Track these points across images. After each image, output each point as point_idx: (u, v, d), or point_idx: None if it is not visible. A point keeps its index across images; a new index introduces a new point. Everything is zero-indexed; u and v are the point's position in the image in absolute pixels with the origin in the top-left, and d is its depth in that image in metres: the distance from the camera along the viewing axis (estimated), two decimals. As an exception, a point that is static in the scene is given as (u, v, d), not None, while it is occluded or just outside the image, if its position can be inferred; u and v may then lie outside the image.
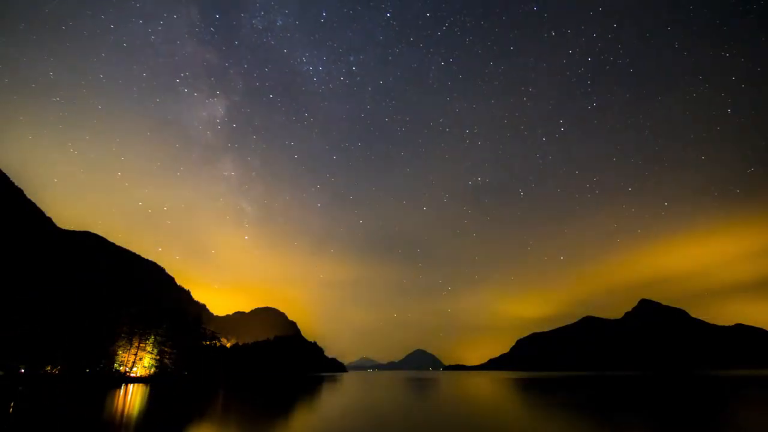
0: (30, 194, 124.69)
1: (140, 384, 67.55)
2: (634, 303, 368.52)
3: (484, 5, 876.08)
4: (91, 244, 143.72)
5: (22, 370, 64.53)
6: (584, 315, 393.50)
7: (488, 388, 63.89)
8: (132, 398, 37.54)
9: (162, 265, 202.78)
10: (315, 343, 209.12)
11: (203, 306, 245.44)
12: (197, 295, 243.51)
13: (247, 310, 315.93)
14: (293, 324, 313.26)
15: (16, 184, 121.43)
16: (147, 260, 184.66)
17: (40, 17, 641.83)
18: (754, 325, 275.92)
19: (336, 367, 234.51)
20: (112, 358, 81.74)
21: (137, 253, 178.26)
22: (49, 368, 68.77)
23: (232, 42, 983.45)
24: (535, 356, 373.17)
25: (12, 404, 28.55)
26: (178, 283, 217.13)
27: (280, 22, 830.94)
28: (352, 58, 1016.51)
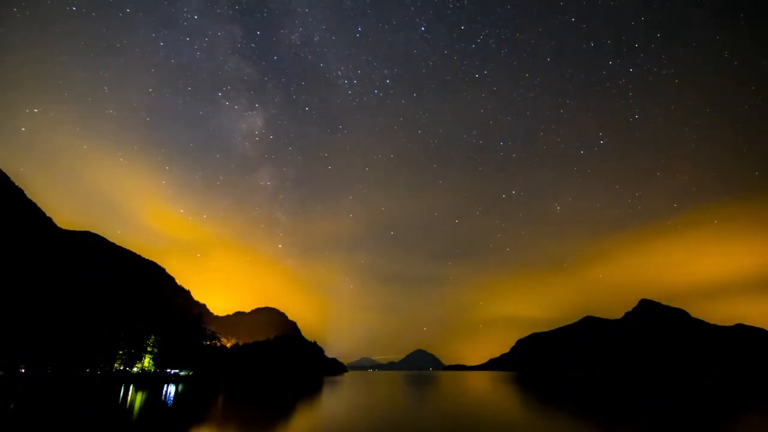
0: (30, 194, 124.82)
1: (140, 384, 67.55)
2: (635, 303, 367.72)
3: (520, 17, 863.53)
4: (91, 244, 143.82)
5: (22, 370, 64.58)
6: (584, 315, 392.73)
7: (488, 387, 63.90)
8: (132, 398, 37.56)
9: (163, 266, 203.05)
10: (315, 343, 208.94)
11: (203, 306, 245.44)
12: (197, 295, 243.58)
13: (247, 310, 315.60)
14: (293, 324, 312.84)
15: (16, 184, 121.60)
16: (147, 260, 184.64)
17: (98, 36, 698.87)
18: (754, 325, 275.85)
19: (336, 367, 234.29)
20: (112, 358, 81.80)
21: (138, 253, 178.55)
22: (49, 368, 68.82)
23: (272, 57, 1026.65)
24: (535, 356, 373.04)
25: (12, 404, 28.57)
26: (179, 283, 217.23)
27: (317, 38, 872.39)
28: (386, 72, 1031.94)
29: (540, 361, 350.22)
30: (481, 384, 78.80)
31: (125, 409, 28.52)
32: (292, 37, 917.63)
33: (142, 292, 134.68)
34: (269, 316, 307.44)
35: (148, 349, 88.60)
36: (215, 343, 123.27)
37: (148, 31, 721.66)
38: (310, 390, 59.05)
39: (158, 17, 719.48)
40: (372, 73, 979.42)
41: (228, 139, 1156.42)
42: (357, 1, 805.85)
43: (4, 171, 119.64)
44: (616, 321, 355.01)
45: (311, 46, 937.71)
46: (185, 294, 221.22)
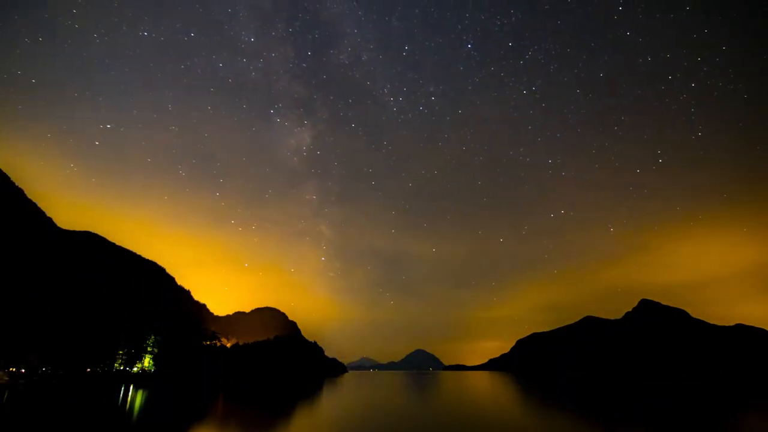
0: (30, 195, 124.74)
1: (140, 383, 67.56)
2: (635, 303, 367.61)
3: (571, 33, 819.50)
4: (91, 244, 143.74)
5: (23, 370, 64.60)
6: (584, 315, 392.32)
7: (488, 387, 63.86)
8: (132, 398, 37.55)
9: (163, 265, 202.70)
10: (315, 343, 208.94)
11: (203, 306, 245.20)
12: (197, 295, 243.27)
13: (247, 310, 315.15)
14: (293, 324, 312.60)
15: (16, 184, 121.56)
16: (147, 260, 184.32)
17: (165, 58, 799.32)
18: (754, 325, 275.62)
19: (336, 367, 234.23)
20: (112, 357, 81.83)
21: (138, 253, 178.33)
22: (49, 368, 68.82)
23: (321, 76, 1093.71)
24: (535, 356, 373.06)
25: (9, 399, 28.52)
26: (179, 283, 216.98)
27: (365, 57, 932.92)
28: (431, 89, 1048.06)
29: (540, 361, 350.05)
30: (482, 384, 78.79)
31: (125, 409, 28.51)
32: (341, 57, 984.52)
33: (142, 292, 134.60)
34: (269, 316, 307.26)
35: (148, 349, 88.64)
36: (215, 343, 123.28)
37: (210, 54, 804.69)
38: (310, 390, 59.05)
39: (219, 41, 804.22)
40: (417, 90, 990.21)
41: (278, 154, 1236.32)
42: (404, 21, 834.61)
43: (11, 172, 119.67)
44: (616, 321, 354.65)
45: (359, 65, 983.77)
46: (185, 294, 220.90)
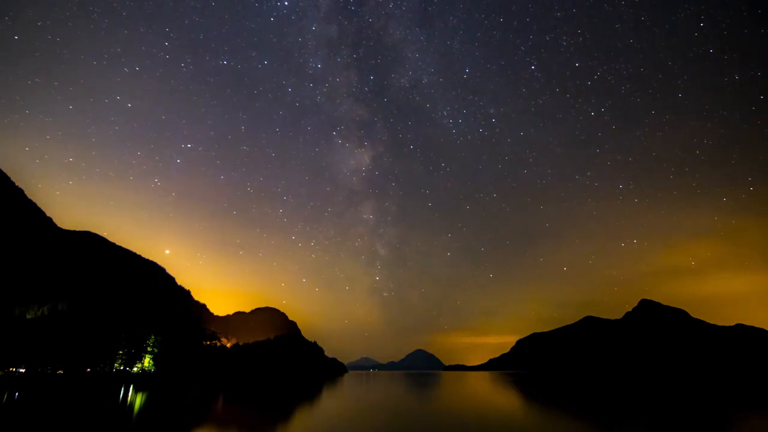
0: (34, 194, 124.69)
1: (140, 384, 67.52)
2: (635, 303, 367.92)
3: (645, 51, 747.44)
4: (91, 244, 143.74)
5: (23, 370, 64.58)
6: (584, 315, 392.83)
7: (489, 387, 63.87)
8: (132, 398, 37.55)
9: (163, 266, 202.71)
10: (315, 343, 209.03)
11: (203, 306, 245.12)
12: (197, 295, 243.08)
13: (247, 310, 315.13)
14: (293, 324, 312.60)
15: (16, 184, 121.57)
16: (147, 260, 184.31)
17: (240, 85, 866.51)
18: (754, 325, 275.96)
19: (336, 367, 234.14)
20: (112, 358, 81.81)
21: (138, 253, 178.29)
22: (49, 368, 68.79)
23: (382, 99, 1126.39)
24: (535, 356, 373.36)
25: (7, 397, 28.49)
26: (179, 283, 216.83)
27: (426, 80, 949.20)
28: (492, 111, 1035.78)
29: (540, 361, 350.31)
30: (482, 384, 78.79)
31: (125, 409, 28.51)
32: (402, 81, 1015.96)
33: (142, 292, 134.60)
34: (269, 316, 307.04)
35: (148, 349, 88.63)
36: (215, 343, 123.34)
37: (280, 79, 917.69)
38: (310, 390, 59.03)
39: (288, 67, 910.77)
40: (477, 112, 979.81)
41: (338, 174, 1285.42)
42: (465, 44, 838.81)
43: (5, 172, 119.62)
44: (616, 321, 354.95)
45: (419, 88, 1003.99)
46: (185, 294, 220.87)
